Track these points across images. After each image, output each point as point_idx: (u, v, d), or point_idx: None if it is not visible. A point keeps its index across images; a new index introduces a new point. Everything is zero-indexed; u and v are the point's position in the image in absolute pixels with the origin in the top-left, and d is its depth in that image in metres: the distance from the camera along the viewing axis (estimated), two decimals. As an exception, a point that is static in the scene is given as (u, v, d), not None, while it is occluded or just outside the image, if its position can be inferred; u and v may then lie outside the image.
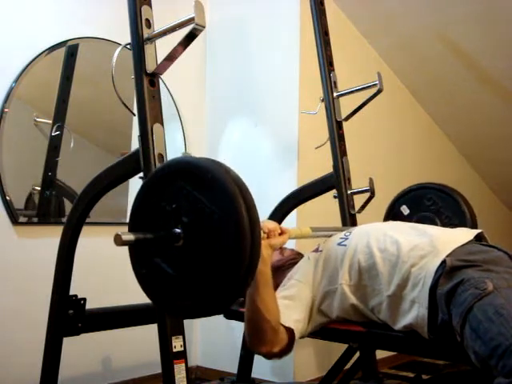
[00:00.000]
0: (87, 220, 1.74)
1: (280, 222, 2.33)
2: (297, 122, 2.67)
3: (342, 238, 1.63)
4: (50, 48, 2.37)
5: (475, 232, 1.51)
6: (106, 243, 2.43)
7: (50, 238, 1.92)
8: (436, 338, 1.37)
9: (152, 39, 1.55)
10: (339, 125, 2.36)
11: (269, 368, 2.63)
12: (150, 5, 1.58)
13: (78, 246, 1.72)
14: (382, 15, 3.02)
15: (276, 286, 1.56)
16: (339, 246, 1.60)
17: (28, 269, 2.24)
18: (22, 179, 2.38)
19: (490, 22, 2.90)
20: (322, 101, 2.39)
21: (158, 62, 1.55)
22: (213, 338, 2.85)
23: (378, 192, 2.27)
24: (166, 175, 1.16)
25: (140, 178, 1.50)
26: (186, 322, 1.54)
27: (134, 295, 1.94)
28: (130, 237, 1.11)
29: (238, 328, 2.32)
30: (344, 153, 2.34)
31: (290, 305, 1.53)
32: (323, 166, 2.35)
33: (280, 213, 2.32)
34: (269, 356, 1.48)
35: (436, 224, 2.14)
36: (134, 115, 1.58)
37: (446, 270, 1.35)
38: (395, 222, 1.87)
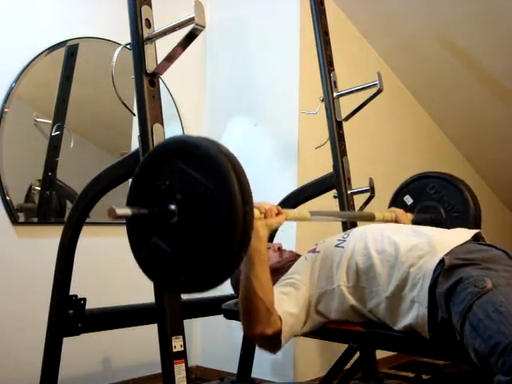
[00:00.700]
0: (87, 220, 1.74)
1: (280, 222, 2.33)
2: (297, 122, 2.67)
3: (339, 240, 1.63)
4: (49, 48, 2.37)
5: (473, 232, 1.51)
6: (106, 243, 2.47)
7: (49, 238, 1.92)
8: (437, 336, 1.37)
9: (152, 39, 1.55)
10: (339, 125, 2.36)
11: (269, 368, 2.63)
12: (150, 5, 1.58)
13: (78, 246, 1.72)
14: (382, 15, 3.02)
15: None
16: (337, 248, 1.60)
17: (28, 269, 2.24)
18: (22, 179, 2.38)
19: (489, 22, 2.91)
20: (322, 101, 2.39)
21: (158, 62, 1.55)
22: (213, 338, 2.85)
23: (378, 192, 2.27)
24: (161, 154, 1.19)
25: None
26: (186, 322, 1.54)
27: (134, 295, 1.95)
28: (126, 211, 1.13)
29: (237, 328, 2.31)
30: (344, 153, 2.34)
31: (284, 299, 1.54)
32: (323, 165, 2.36)
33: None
34: (262, 338, 1.48)
35: (440, 213, 2.15)
36: (134, 115, 1.58)
37: (444, 269, 1.35)
38: (393, 224, 1.87)
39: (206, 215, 1.08)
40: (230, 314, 1.81)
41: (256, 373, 2.35)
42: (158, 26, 1.56)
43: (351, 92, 2.35)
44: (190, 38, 1.45)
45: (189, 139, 1.19)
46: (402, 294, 1.43)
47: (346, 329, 1.56)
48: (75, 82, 2.46)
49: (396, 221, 2.01)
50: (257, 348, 2.29)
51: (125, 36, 1.60)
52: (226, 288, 2.22)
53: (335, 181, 2.30)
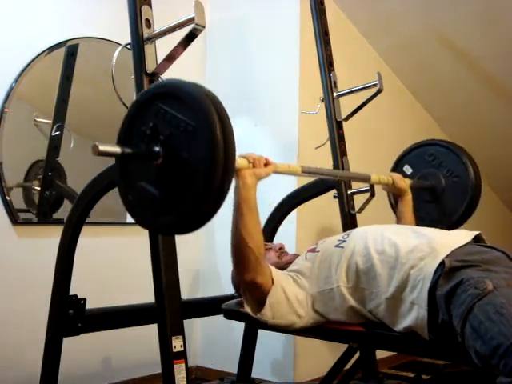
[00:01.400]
0: (87, 220, 1.74)
1: (280, 222, 2.33)
2: (297, 122, 2.67)
3: (339, 240, 1.63)
4: (49, 48, 2.37)
5: (473, 234, 1.51)
6: (106, 243, 2.47)
7: (50, 238, 1.92)
8: (436, 338, 1.37)
9: (152, 39, 1.55)
10: (339, 125, 2.36)
11: (269, 368, 2.63)
12: (150, 5, 1.58)
13: (78, 246, 1.72)
14: (382, 15, 3.02)
15: None
16: (336, 248, 1.60)
17: (28, 269, 2.23)
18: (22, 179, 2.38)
19: (489, 22, 2.90)
20: (322, 101, 2.39)
21: (158, 61, 1.55)
22: (213, 338, 2.84)
23: (378, 192, 2.27)
24: (145, 100, 1.24)
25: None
26: (186, 322, 1.54)
27: (134, 295, 1.95)
28: (109, 148, 1.17)
29: (238, 328, 2.32)
30: (344, 153, 2.34)
31: (284, 277, 1.59)
32: (323, 165, 2.35)
33: (280, 213, 2.32)
34: (252, 285, 1.50)
35: (439, 180, 2.15)
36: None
37: (444, 271, 1.35)
38: (393, 225, 1.87)
39: (189, 152, 1.13)
40: (230, 314, 1.80)
41: (256, 373, 2.35)
42: (158, 26, 1.56)
43: (351, 92, 2.36)
44: (190, 37, 1.45)
45: (170, 82, 1.25)
46: (401, 296, 1.43)
47: (346, 329, 1.56)
48: (75, 81, 2.46)
49: (393, 185, 2.01)
50: (257, 348, 2.30)
51: (125, 36, 1.60)
52: (226, 288, 2.23)
53: (335, 181, 2.30)
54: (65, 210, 1.85)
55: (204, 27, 1.42)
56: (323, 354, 2.59)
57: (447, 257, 1.38)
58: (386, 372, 2.88)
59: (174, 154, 1.16)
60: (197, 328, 2.88)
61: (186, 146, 1.14)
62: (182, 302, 1.54)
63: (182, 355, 1.47)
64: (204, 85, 1.19)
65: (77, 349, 1.93)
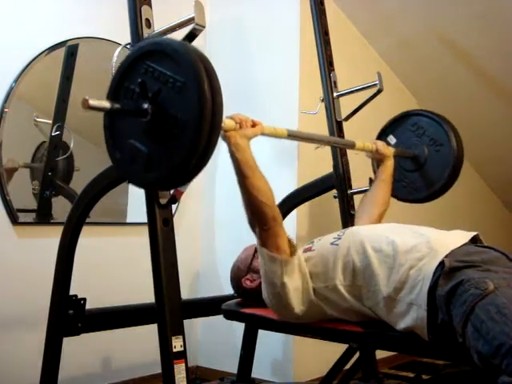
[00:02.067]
0: (87, 220, 1.74)
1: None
2: (297, 122, 2.67)
3: (335, 238, 1.63)
4: (49, 48, 2.36)
5: (471, 234, 1.51)
6: (106, 243, 2.47)
7: (49, 238, 1.92)
8: (436, 338, 1.36)
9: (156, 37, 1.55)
10: (339, 125, 2.36)
11: (269, 368, 2.63)
12: (150, 5, 1.58)
13: (79, 246, 1.72)
14: (382, 15, 3.02)
15: None
16: (332, 246, 1.59)
17: (28, 269, 2.23)
18: (22, 179, 2.38)
19: (489, 22, 2.90)
20: (322, 101, 2.39)
21: (158, 61, 1.55)
22: (213, 338, 2.84)
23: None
24: (133, 59, 1.26)
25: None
26: (186, 322, 1.54)
27: (134, 295, 1.95)
28: (99, 103, 1.18)
29: (238, 328, 2.32)
30: (344, 153, 2.34)
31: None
32: (323, 165, 2.35)
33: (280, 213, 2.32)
34: (273, 233, 1.54)
35: (422, 150, 2.17)
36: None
37: (444, 271, 1.34)
38: (390, 224, 1.87)
39: (177, 107, 1.16)
40: (230, 314, 1.80)
41: (256, 373, 2.35)
42: (158, 26, 1.56)
43: (351, 92, 2.36)
44: (190, 37, 1.45)
45: (156, 40, 1.30)
46: (398, 297, 1.42)
47: (346, 329, 1.56)
48: (75, 82, 2.46)
49: (377, 151, 2.03)
50: (257, 348, 2.30)
51: (125, 36, 1.60)
52: (226, 288, 2.23)
53: (335, 181, 2.30)
54: (65, 211, 1.85)
55: (204, 27, 1.42)
56: (323, 354, 2.58)
57: (446, 257, 1.37)
58: (386, 372, 2.88)
59: (162, 110, 1.18)
60: (197, 328, 2.88)
61: (175, 101, 1.16)
62: (182, 301, 1.54)
63: (182, 355, 1.46)
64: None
65: (77, 349, 1.93)
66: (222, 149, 1.57)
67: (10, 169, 2.27)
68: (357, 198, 2.29)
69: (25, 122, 2.38)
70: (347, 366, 1.93)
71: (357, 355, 2.04)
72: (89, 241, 1.92)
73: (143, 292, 1.70)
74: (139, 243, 1.81)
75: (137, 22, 1.55)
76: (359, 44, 3.15)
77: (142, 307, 1.90)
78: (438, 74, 3.31)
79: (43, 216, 2.39)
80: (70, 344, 1.74)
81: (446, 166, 2.16)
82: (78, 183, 2.38)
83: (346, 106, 2.37)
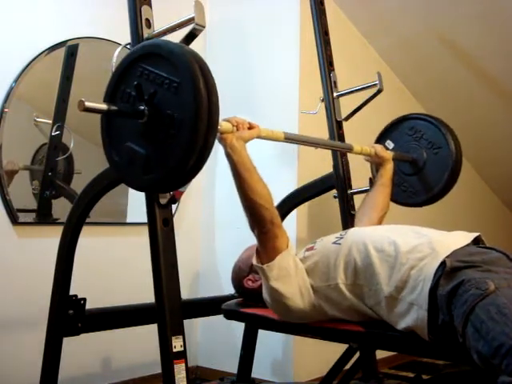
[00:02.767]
0: (87, 220, 1.74)
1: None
2: (297, 122, 2.67)
3: (337, 237, 1.63)
4: (49, 48, 2.36)
5: (473, 235, 1.51)
6: (106, 243, 2.47)
7: (49, 238, 1.92)
8: (436, 339, 1.36)
9: (152, 39, 1.55)
10: (339, 125, 2.36)
11: (269, 368, 2.63)
12: (150, 5, 1.58)
13: (79, 246, 1.72)
14: (382, 15, 3.02)
15: None
16: (334, 245, 1.60)
17: (28, 269, 2.23)
18: (22, 179, 2.38)
19: (489, 22, 2.90)
20: (322, 101, 2.39)
21: (158, 61, 1.55)
22: (213, 338, 2.84)
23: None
24: (128, 63, 1.27)
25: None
26: (186, 322, 1.54)
27: (134, 295, 1.95)
28: (95, 105, 1.20)
29: (238, 328, 2.32)
30: (344, 153, 2.34)
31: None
32: (323, 165, 2.35)
33: (280, 213, 2.30)
34: (270, 235, 1.54)
35: (420, 153, 2.18)
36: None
37: (445, 271, 1.34)
38: (392, 225, 1.88)
39: (173, 108, 1.16)
40: (230, 314, 1.80)
41: (256, 373, 2.35)
42: (158, 26, 1.56)
43: (351, 92, 2.35)
44: (190, 37, 1.45)
45: (150, 43, 1.31)
46: (399, 296, 1.42)
47: (346, 329, 1.55)
48: (75, 82, 2.46)
49: (375, 155, 2.04)
50: (257, 348, 2.30)
51: (125, 36, 1.60)
52: (226, 288, 2.23)
53: (335, 181, 2.30)
54: (65, 211, 1.85)
55: (204, 27, 1.41)
56: (323, 354, 2.59)
57: (448, 257, 1.37)
58: (386, 372, 2.88)
59: (158, 110, 1.19)
60: (197, 328, 2.88)
61: (171, 101, 1.17)
62: (182, 301, 1.54)
63: (182, 355, 1.46)
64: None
65: (77, 349, 1.93)
66: (221, 149, 1.58)
67: (10, 171, 2.26)
68: (357, 198, 2.29)
69: (25, 122, 2.38)
70: (347, 366, 1.93)
71: (357, 355, 2.04)
72: (89, 241, 1.92)
73: (143, 292, 1.70)
74: (139, 243, 1.81)
75: (137, 21, 1.55)
76: (359, 44, 3.15)
77: (142, 307, 1.89)
78: (438, 74, 3.31)
79: (43, 216, 2.39)
80: (69, 344, 1.73)
81: (444, 168, 2.17)
82: (79, 183, 2.38)
83: (346, 106, 2.37)
